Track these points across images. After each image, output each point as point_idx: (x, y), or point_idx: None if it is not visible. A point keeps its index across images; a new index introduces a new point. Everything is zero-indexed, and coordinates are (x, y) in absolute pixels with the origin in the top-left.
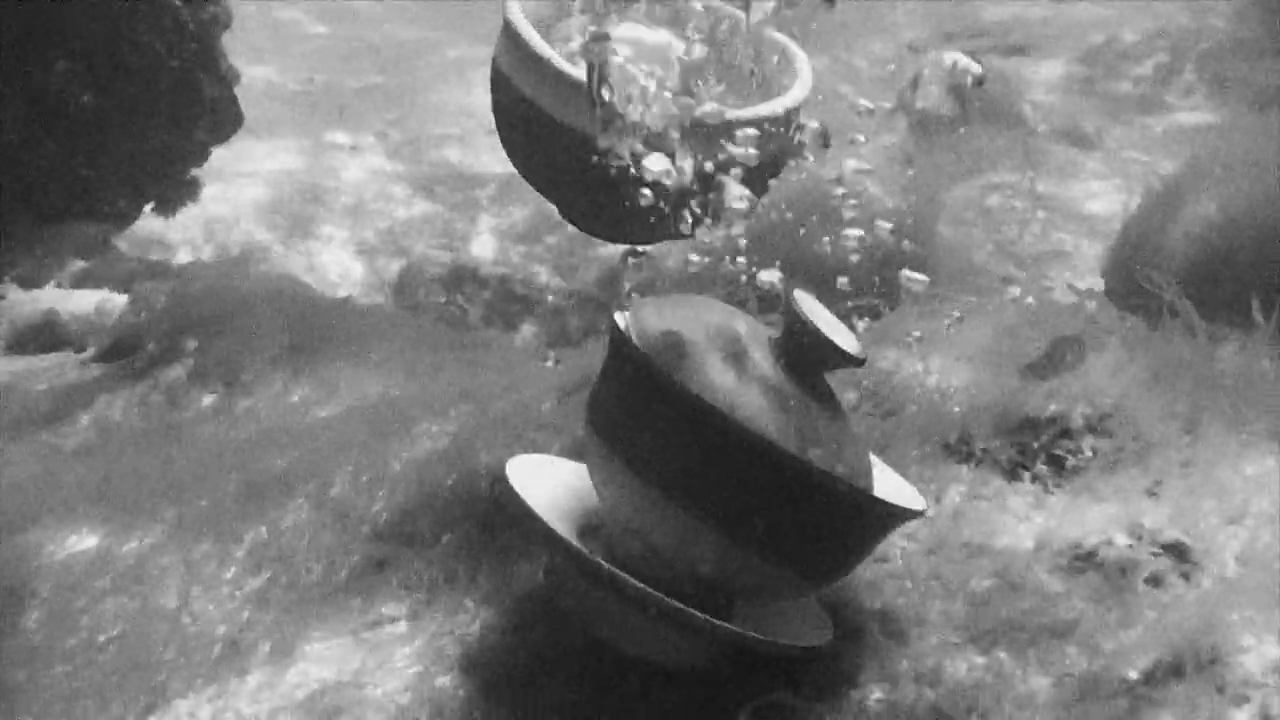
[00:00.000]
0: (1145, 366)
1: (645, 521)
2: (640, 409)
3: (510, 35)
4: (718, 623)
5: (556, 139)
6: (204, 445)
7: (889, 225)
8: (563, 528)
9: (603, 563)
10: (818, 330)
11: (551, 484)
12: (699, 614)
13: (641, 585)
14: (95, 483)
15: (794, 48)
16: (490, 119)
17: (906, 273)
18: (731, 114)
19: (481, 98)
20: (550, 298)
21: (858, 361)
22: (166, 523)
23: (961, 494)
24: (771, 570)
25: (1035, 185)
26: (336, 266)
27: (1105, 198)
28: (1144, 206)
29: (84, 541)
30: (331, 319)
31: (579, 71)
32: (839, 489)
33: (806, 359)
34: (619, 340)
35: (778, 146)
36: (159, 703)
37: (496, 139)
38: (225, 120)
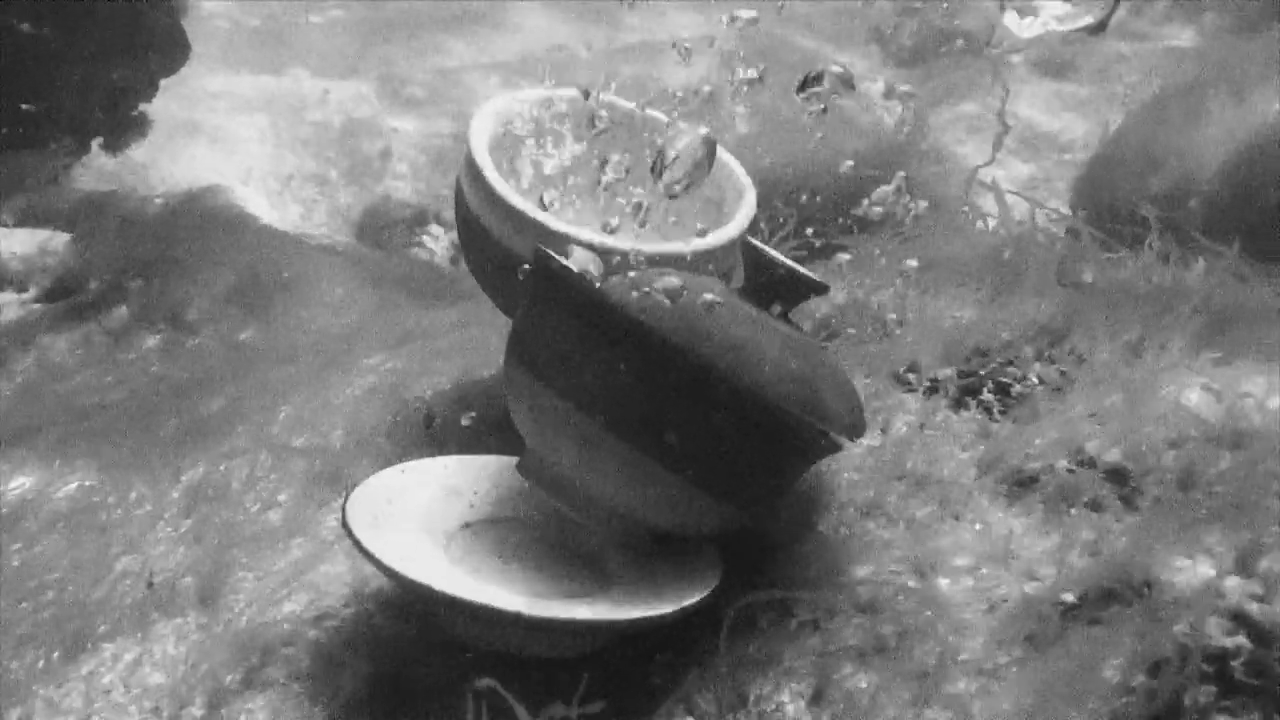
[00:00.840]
0: (1101, 292)
1: (557, 443)
2: (578, 336)
3: (471, 167)
4: (569, 618)
5: (507, 259)
6: (146, 385)
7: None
8: (428, 540)
9: (433, 586)
10: (784, 262)
11: (422, 492)
12: (554, 614)
13: (482, 601)
14: (33, 423)
15: (741, 176)
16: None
17: (867, 202)
18: (648, 249)
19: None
20: None
21: (823, 288)
22: (103, 462)
23: (909, 423)
24: (707, 502)
25: (1005, 112)
26: (297, 206)
27: (1079, 124)
28: (1117, 133)
29: (16, 481)
30: (285, 256)
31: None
32: (788, 420)
33: (775, 294)
34: (549, 265)
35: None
36: (85, 645)
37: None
38: (173, 52)
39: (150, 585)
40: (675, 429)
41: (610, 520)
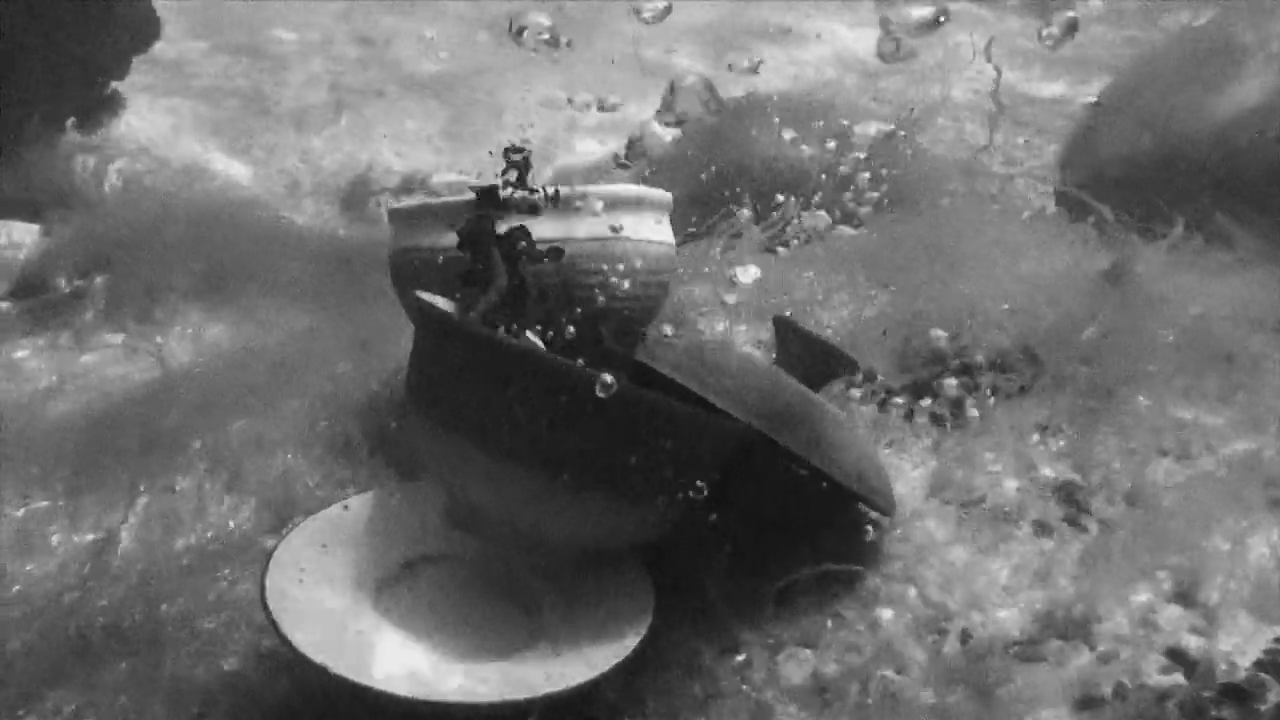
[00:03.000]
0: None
1: (463, 480)
2: (442, 362)
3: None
4: (465, 702)
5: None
6: (106, 394)
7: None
8: (358, 592)
9: (346, 675)
10: (815, 337)
11: (362, 530)
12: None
13: (392, 692)
14: None
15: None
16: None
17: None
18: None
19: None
20: None
21: (853, 365)
22: (59, 485)
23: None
24: (603, 503)
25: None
26: (282, 178)
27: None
28: (1106, 93)
29: None
30: (254, 245)
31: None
32: (656, 405)
33: (805, 367)
34: (422, 305)
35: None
36: (31, 693)
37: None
38: (144, 28)
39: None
40: (573, 447)
41: (531, 548)
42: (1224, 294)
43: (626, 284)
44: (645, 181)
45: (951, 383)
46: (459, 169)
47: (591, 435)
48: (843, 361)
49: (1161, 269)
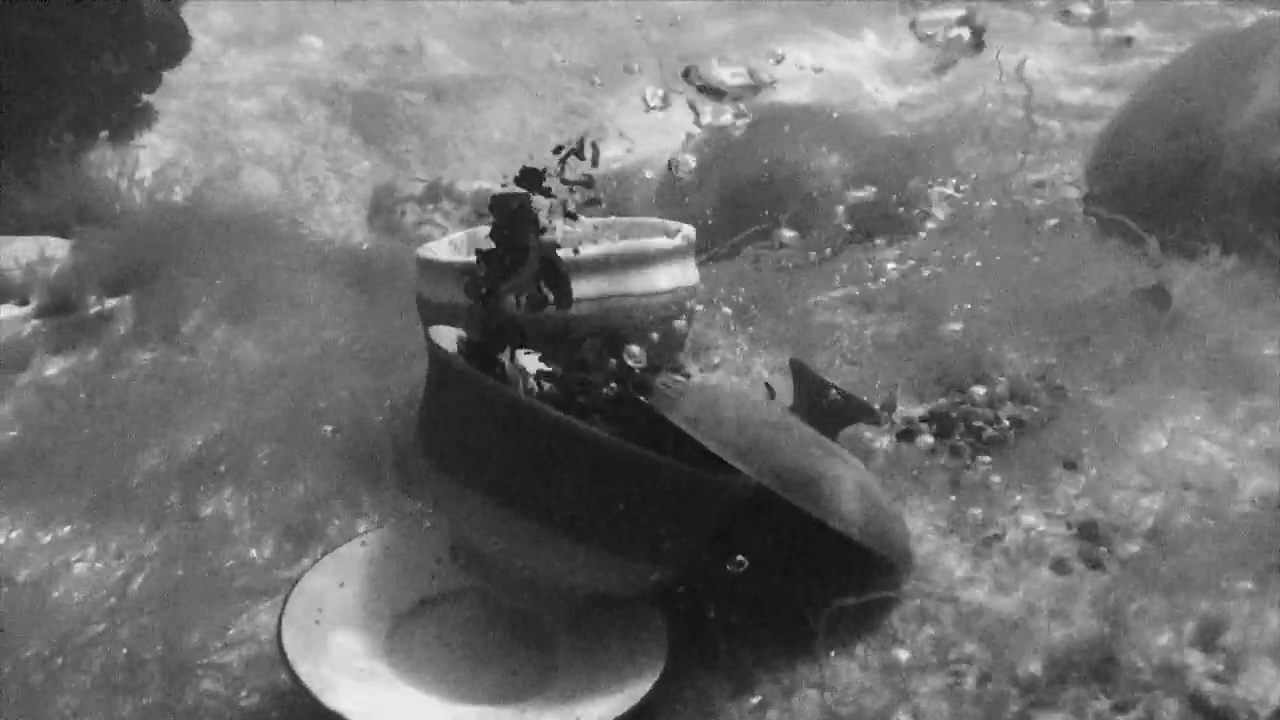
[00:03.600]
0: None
1: (462, 522)
2: (474, 423)
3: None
4: None
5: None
6: (134, 414)
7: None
8: (369, 634)
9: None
10: (837, 387)
11: (379, 567)
12: None
13: None
14: (21, 460)
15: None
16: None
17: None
18: None
19: None
20: None
21: (875, 415)
22: (85, 507)
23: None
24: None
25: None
26: (309, 184)
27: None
28: (1133, 101)
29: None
30: (282, 259)
31: None
32: (656, 465)
33: (826, 417)
34: (437, 351)
35: None
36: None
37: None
38: (173, 42)
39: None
40: (584, 500)
41: (539, 598)
42: (1255, 319)
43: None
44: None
45: (971, 413)
46: (483, 177)
47: (584, 487)
48: (860, 410)
49: (1196, 292)
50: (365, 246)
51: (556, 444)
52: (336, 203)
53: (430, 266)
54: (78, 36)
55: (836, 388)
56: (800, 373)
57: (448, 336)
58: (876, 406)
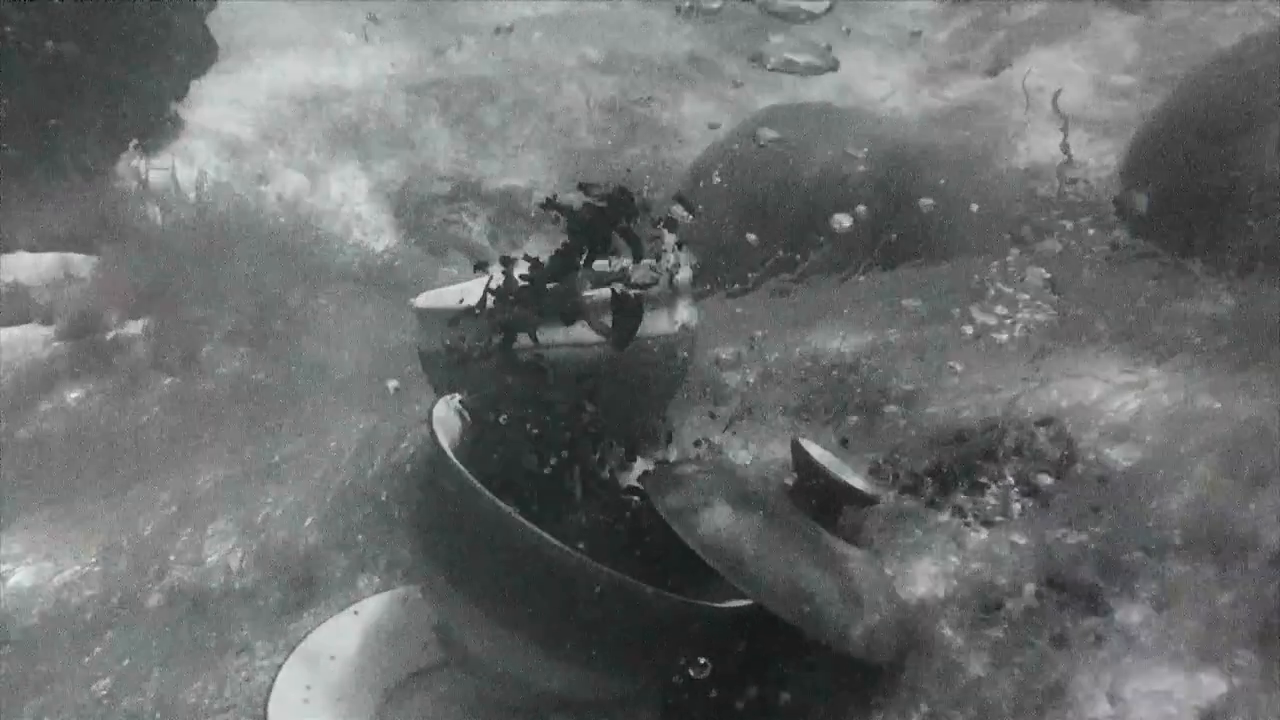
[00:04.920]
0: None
1: (445, 615)
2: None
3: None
4: None
5: None
6: (149, 448)
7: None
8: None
9: None
10: (832, 476)
11: (371, 639)
12: None
13: None
14: (38, 497)
15: None
16: None
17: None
18: None
19: None
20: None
21: (873, 500)
22: (98, 545)
23: (880, 530)
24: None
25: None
26: (338, 184)
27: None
28: (1171, 101)
29: (15, 574)
30: (301, 277)
31: None
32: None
33: (823, 500)
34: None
35: None
36: None
37: None
38: (201, 53)
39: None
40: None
41: (515, 693)
42: None
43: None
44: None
45: (976, 470)
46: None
47: (566, 605)
48: (857, 497)
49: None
50: (384, 258)
51: (541, 564)
52: (362, 204)
53: (425, 313)
54: (103, 46)
55: (834, 478)
56: (800, 458)
57: (448, 423)
58: (875, 496)
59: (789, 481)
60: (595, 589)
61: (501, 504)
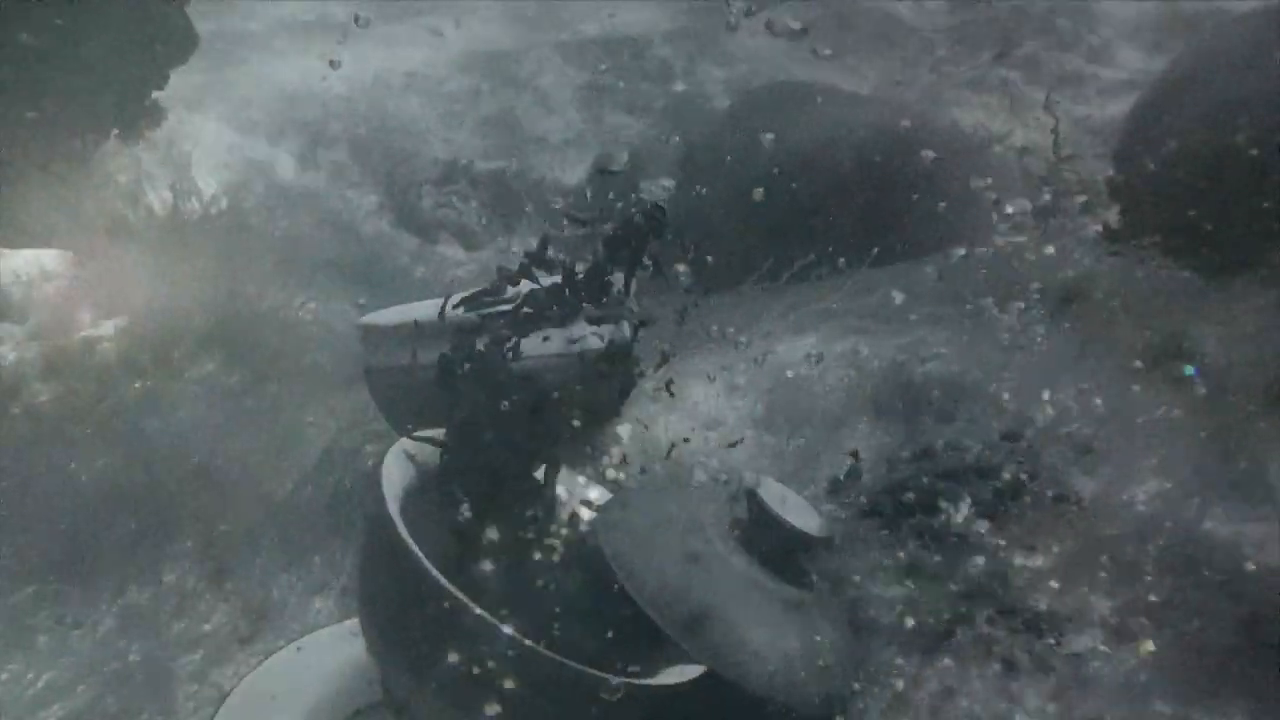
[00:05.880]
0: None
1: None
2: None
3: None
4: None
5: None
6: (110, 465)
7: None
8: None
9: None
10: (786, 522)
11: (315, 675)
12: None
13: None
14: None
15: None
16: None
17: None
18: None
19: None
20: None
21: (829, 543)
22: (48, 570)
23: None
24: None
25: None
26: (327, 166)
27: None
28: (1168, 72)
29: None
30: (279, 275)
31: None
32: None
33: (776, 548)
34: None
35: None
36: None
37: None
38: (182, 42)
39: None
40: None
41: None
42: None
43: None
44: None
45: (935, 491)
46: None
47: (518, 692)
48: (811, 544)
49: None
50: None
51: (487, 646)
52: (352, 186)
53: (373, 331)
54: (82, 36)
55: (787, 527)
56: (754, 506)
57: (398, 475)
58: (830, 538)
59: (739, 531)
60: (542, 677)
61: (447, 583)
